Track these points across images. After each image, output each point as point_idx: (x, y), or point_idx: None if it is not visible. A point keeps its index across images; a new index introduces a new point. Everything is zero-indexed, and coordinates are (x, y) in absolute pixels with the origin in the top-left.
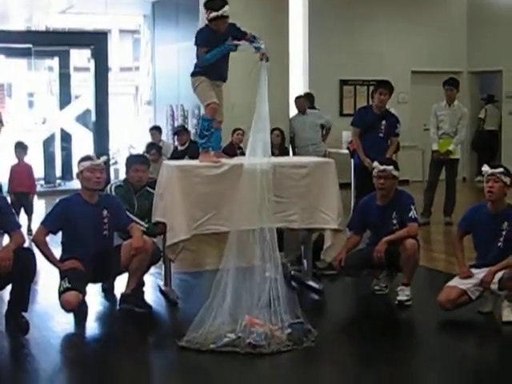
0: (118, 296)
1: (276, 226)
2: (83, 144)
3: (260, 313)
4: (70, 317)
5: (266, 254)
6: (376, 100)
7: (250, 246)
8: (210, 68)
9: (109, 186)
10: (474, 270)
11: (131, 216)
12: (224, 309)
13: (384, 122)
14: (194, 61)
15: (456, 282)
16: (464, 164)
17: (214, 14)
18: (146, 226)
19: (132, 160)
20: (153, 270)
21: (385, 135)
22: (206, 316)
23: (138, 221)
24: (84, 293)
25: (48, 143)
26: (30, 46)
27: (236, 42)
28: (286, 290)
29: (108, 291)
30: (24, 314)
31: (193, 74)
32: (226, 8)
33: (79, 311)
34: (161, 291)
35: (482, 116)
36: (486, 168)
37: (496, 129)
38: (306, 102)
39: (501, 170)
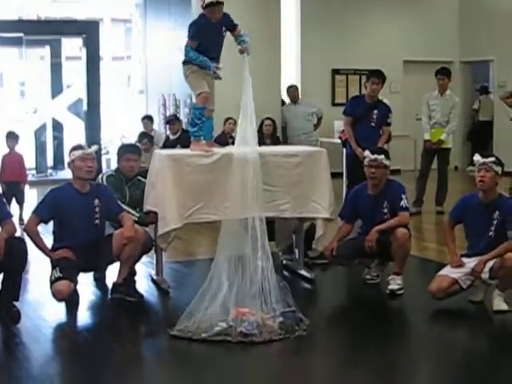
0: (110, 285)
1: (267, 215)
2: (75, 133)
3: (252, 302)
4: (62, 306)
5: (257, 243)
6: (368, 89)
7: (241, 235)
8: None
9: (100, 176)
10: (465, 259)
11: (123, 206)
12: (217, 299)
13: (376, 112)
14: None
15: (447, 271)
16: (456, 153)
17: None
18: (138, 215)
19: (123, 149)
20: (144, 259)
21: (377, 125)
22: (199, 305)
23: (130, 210)
24: (75, 282)
25: (39, 133)
26: (22, 35)
27: (216, 69)
28: (277, 279)
29: (100, 280)
30: (15, 303)
31: (184, 63)
32: None
33: (71, 300)
34: (152, 280)
35: (476, 107)
36: (477, 157)
37: (490, 119)
38: (297, 91)
39: (492, 159)
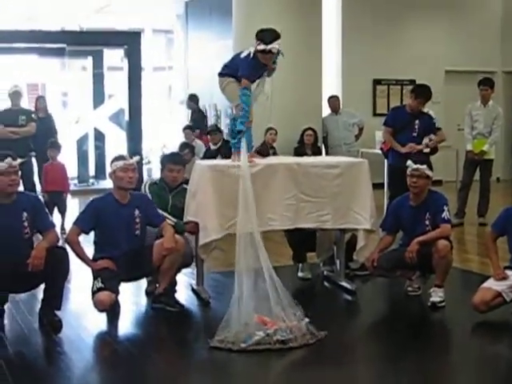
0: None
1: (309, 226)
2: (116, 143)
3: (273, 310)
4: (103, 316)
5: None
6: (411, 102)
7: (256, 248)
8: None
9: (143, 184)
10: (508, 272)
11: (162, 213)
12: (247, 309)
13: (418, 122)
14: (227, 60)
15: (490, 283)
16: (498, 164)
17: (262, 46)
18: (175, 220)
19: (166, 159)
20: (185, 269)
21: (419, 134)
22: (233, 315)
23: (168, 216)
24: (117, 292)
25: (81, 142)
26: (64, 45)
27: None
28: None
29: (151, 294)
30: (57, 312)
31: (220, 75)
32: (276, 44)
33: (112, 311)
34: (193, 290)
35: None
36: None
37: None
38: (338, 102)
39: None
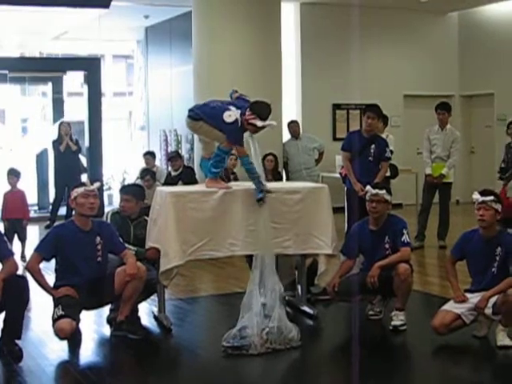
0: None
1: (271, 251)
2: None
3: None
4: (64, 344)
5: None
6: (364, 124)
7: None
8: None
9: (106, 213)
10: (468, 295)
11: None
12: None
13: (373, 146)
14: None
15: (450, 306)
16: (457, 187)
17: (258, 122)
18: (135, 249)
19: (120, 190)
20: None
21: (374, 159)
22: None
23: (128, 245)
24: (78, 320)
25: (41, 169)
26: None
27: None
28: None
29: (113, 321)
30: (17, 341)
31: (192, 118)
32: (269, 121)
33: (73, 338)
34: (155, 317)
35: None
36: (476, 196)
37: None
38: (298, 127)
39: (491, 197)
